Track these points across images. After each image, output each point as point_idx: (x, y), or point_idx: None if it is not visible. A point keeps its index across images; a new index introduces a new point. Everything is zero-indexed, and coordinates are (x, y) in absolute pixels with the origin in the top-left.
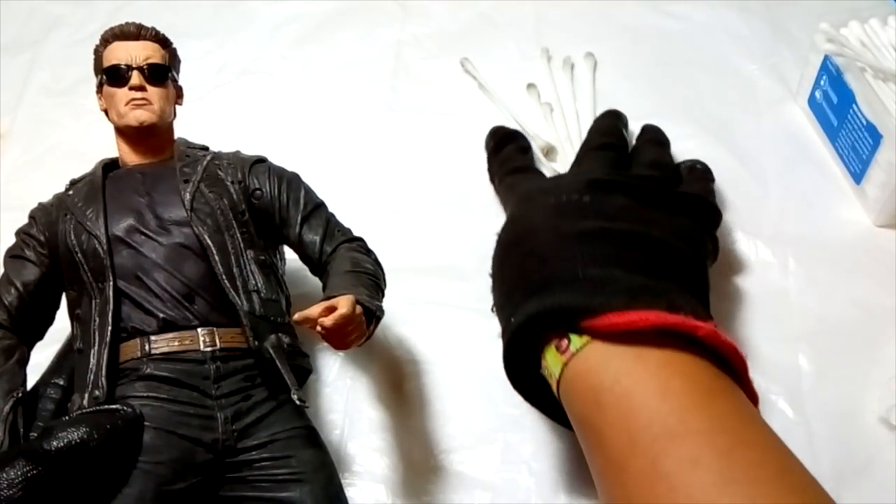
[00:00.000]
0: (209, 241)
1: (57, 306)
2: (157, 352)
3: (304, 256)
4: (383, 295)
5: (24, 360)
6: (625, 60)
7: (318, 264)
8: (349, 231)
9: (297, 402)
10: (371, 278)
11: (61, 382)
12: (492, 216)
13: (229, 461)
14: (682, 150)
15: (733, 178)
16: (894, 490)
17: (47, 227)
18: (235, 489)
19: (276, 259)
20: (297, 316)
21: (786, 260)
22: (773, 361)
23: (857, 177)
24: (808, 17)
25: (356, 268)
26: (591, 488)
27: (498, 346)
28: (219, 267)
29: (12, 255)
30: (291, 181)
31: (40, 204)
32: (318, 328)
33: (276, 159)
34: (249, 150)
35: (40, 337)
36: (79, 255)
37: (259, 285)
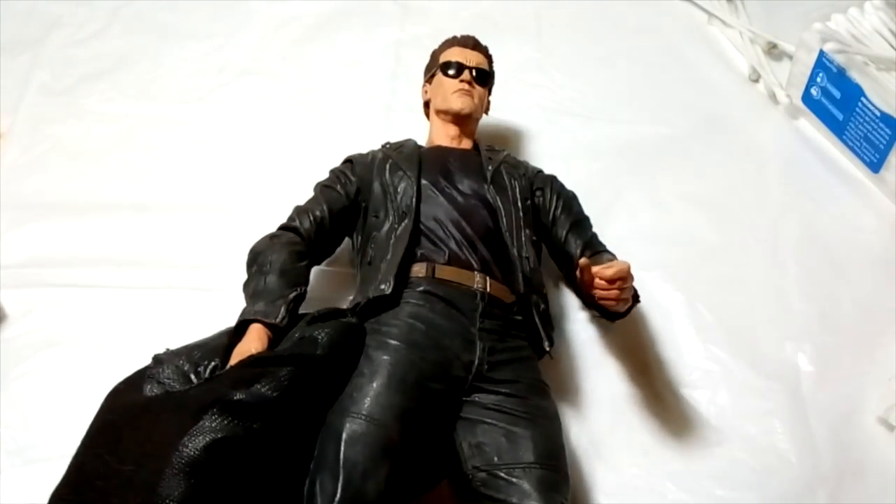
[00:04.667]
0: (500, 205)
1: (341, 239)
2: (440, 276)
3: (563, 253)
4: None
5: (310, 268)
6: (623, 61)
7: (575, 263)
8: (605, 247)
9: (546, 350)
10: None
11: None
12: None
13: (476, 385)
14: (681, 151)
15: (733, 177)
16: (894, 490)
17: (362, 167)
18: (475, 412)
19: (540, 249)
20: (582, 260)
21: (787, 260)
22: (774, 361)
23: (875, 166)
24: (794, 16)
25: None
26: (593, 492)
27: None
28: (504, 226)
29: (325, 185)
30: (568, 194)
31: (358, 153)
32: (598, 279)
33: (277, 158)
34: (251, 149)
35: (328, 254)
36: (391, 189)
37: (530, 256)
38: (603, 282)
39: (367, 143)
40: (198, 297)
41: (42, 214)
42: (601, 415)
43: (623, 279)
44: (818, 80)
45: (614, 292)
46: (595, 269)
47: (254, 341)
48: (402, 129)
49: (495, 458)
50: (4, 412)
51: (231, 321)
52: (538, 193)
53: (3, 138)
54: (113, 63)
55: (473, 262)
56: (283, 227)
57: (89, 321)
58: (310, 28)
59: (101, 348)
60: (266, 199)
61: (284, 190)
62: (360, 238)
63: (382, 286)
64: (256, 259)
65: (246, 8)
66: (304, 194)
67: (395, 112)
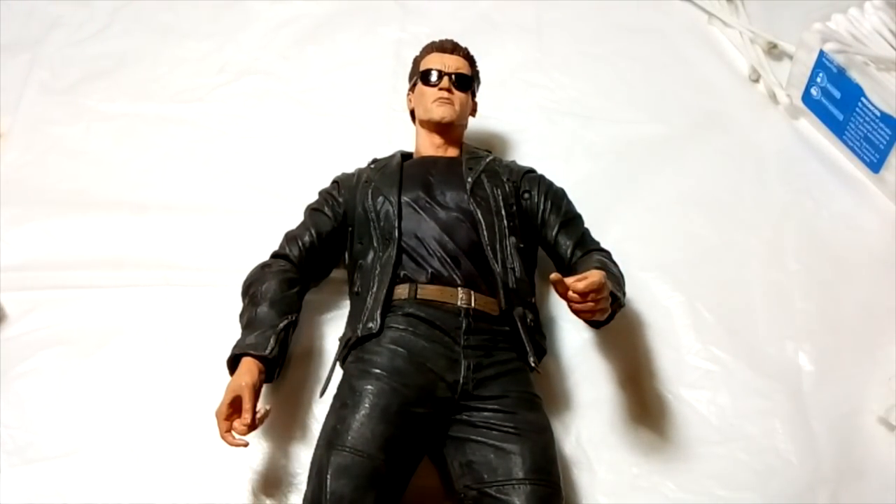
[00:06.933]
0: (481, 218)
1: (336, 262)
2: (422, 297)
3: (556, 255)
4: (624, 295)
5: (303, 293)
6: (623, 61)
7: (567, 264)
8: (599, 243)
9: (532, 364)
10: (616, 278)
11: None
12: None
13: (463, 404)
14: (681, 151)
15: (733, 177)
16: (894, 490)
17: (348, 190)
18: (463, 431)
19: (531, 254)
20: (554, 275)
21: (787, 259)
22: (774, 361)
23: (875, 166)
24: (795, 15)
25: (605, 267)
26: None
27: None
28: (486, 240)
29: (313, 208)
30: (557, 192)
31: (344, 172)
32: (570, 292)
33: (277, 159)
34: (250, 150)
35: (318, 281)
36: (373, 214)
37: (515, 266)
38: (576, 295)
39: (369, 142)
40: (198, 297)
41: (42, 214)
42: (601, 414)
43: (597, 290)
44: (818, 80)
45: (589, 304)
46: (567, 281)
47: (244, 375)
48: (402, 129)
49: (485, 476)
50: (4, 412)
51: (231, 321)
52: (525, 196)
53: (3, 138)
54: (113, 63)
55: (457, 278)
56: (274, 255)
57: (89, 321)
58: (310, 28)
59: (101, 348)
60: (267, 199)
61: (285, 190)
62: (348, 260)
63: (370, 325)
64: (249, 289)
65: (246, 8)
66: (305, 194)
67: (396, 111)
